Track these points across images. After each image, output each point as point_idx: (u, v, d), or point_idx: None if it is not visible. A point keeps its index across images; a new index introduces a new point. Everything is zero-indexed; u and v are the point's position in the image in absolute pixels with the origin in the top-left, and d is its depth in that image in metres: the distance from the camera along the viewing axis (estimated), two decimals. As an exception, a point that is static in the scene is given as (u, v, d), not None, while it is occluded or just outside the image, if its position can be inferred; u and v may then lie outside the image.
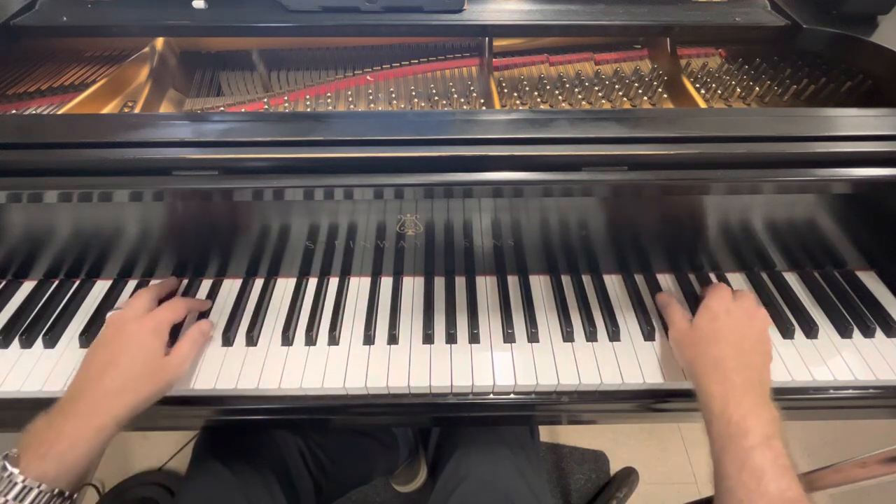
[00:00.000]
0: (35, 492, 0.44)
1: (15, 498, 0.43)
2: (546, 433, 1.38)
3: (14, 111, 0.71)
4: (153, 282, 0.70)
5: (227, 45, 0.82)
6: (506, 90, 0.77)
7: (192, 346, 0.58)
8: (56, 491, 0.45)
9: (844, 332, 0.64)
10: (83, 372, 0.53)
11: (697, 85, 0.75)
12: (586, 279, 0.70)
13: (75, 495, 0.47)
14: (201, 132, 0.56)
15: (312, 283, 0.70)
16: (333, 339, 0.63)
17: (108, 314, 0.58)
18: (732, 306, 0.58)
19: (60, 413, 0.49)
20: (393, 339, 0.63)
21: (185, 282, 0.70)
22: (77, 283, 0.70)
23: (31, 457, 0.45)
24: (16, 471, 0.44)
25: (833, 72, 0.75)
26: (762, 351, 0.56)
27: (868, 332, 0.64)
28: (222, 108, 0.73)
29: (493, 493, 0.69)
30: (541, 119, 0.58)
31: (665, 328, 0.64)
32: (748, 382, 0.51)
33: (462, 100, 0.75)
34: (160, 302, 0.61)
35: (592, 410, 0.64)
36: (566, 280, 0.70)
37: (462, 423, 0.77)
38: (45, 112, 0.70)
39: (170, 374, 0.55)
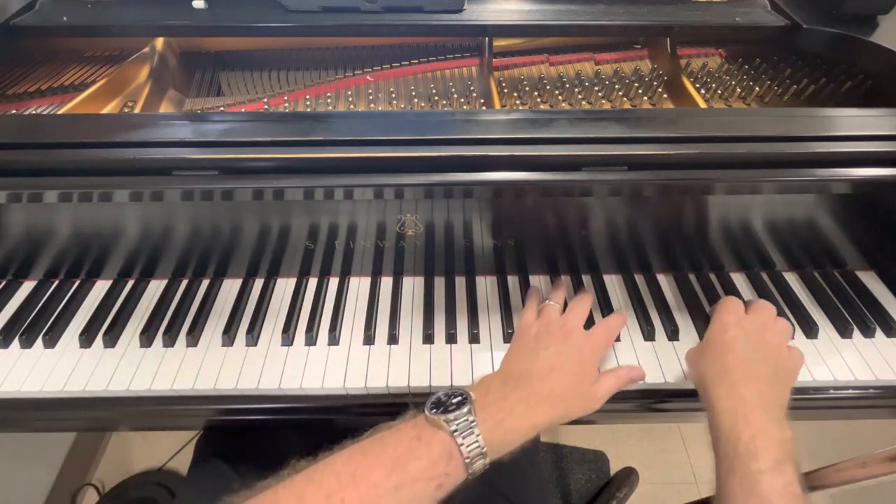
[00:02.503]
0: (482, 460, 0.44)
1: (467, 452, 0.43)
2: (546, 433, 1.37)
3: (14, 111, 0.71)
4: (152, 282, 0.70)
5: (227, 45, 0.83)
6: (506, 90, 0.77)
7: (616, 388, 0.53)
8: (487, 462, 0.44)
9: (844, 332, 0.64)
10: (530, 361, 0.50)
11: (697, 85, 0.75)
12: (586, 279, 0.70)
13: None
14: (201, 132, 0.56)
15: (312, 283, 0.70)
16: (333, 339, 0.63)
17: (542, 305, 0.56)
18: (745, 318, 0.56)
19: (514, 388, 0.47)
20: (393, 339, 0.63)
21: (185, 282, 0.70)
22: (77, 283, 0.70)
23: (486, 417, 0.44)
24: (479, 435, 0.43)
25: (833, 72, 0.75)
26: (775, 364, 0.52)
27: (868, 332, 0.64)
28: (222, 108, 0.73)
29: (492, 495, 0.69)
30: (541, 119, 0.58)
31: (665, 329, 0.64)
32: (757, 397, 0.48)
33: (462, 100, 0.75)
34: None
35: (592, 410, 0.64)
36: (566, 280, 0.70)
37: (462, 423, 0.77)
38: (45, 112, 0.70)
39: (590, 405, 0.51)
